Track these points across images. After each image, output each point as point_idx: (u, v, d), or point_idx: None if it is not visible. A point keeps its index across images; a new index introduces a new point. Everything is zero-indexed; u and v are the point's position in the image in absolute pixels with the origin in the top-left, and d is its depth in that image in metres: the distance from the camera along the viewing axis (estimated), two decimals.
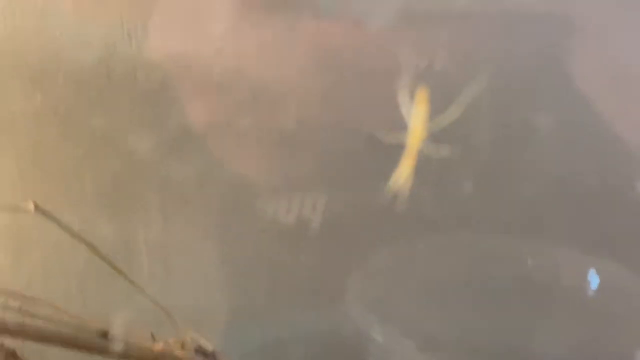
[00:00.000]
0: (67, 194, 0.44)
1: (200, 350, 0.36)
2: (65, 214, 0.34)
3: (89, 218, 0.43)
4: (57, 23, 0.41)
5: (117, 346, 0.34)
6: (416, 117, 0.36)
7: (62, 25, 0.41)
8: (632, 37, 0.40)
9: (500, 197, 0.42)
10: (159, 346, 0.35)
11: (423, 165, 0.36)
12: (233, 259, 0.45)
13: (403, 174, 0.36)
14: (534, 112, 0.40)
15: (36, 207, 0.34)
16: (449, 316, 0.43)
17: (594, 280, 0.42)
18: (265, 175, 0.44)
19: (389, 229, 0.42)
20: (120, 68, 0.42)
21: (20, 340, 0.35)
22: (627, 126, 0.41)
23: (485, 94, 0.38)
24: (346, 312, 0.42)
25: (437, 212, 0.40)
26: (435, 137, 0.36)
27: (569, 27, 0.40)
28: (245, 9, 0.41)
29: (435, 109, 0.36)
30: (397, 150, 0.36)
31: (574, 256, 0.42)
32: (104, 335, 0.34)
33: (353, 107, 0.42)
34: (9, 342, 0.35)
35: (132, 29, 0.41)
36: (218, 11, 0.41)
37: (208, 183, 0.44)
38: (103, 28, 0.41)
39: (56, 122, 0.43)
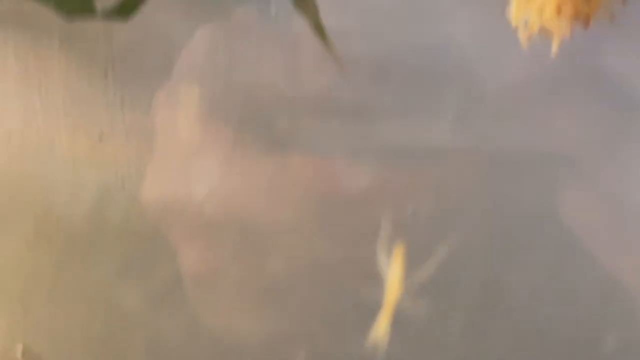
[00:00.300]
0: (55, 348, 0.43)
1: None
2: None
3: None
4: (52, 167, 0.42)
5: None
6: (393, 272, 0.36)
7: (56, 170, 0.42)
8: (625, 177, 0.40)
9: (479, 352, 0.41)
10: None
11: (401, 320, 0.36)
12: None
13: (380, 329, 0.36)
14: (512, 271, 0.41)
15: (24, 352, 0.34)
16: None
17: None
18: (250, 328, 0.44)
19: None
20: (114, 212, 0.42)
21: None
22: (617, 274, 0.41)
23: (465, 249, 0.38)
24: None
25: None
26: (413, 292, 0.36)
27: (561, 166, 0.40)
28: (236, 150, 0.42)
29: (414, 262, 0.36)
30: (376, 305, 0.36)
31: None
32: None
33: (339, 262, 0.42)
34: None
35: (126, 174, 0.42)
36: (209, 155, 0.42)
37: (196, 338, 0.43)
38: (97, 173, 0.42)
39: (48, 272, 0.43)
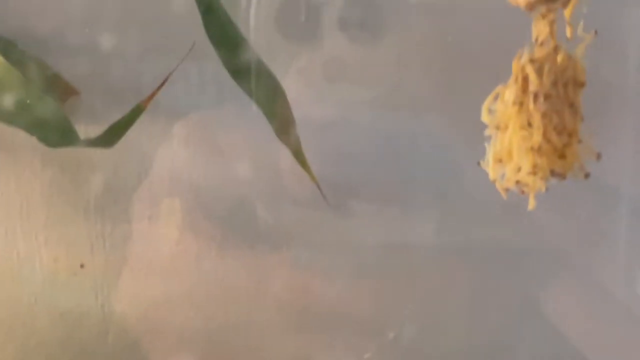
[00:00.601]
0: None
1: None
2: None
3: None
4: (32, 291, 0.42)
5: None
6: None
7: (36, 293, 0.42)
8: (610, 271, 0.41)
9: None
10: None
11: None
12: None
13: None
14: None
15: None
16: None
17: None
18: None
19: None
20: (92, 333, 0.42)
21: None
22: None
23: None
24: None
25: None
26: None
27: (547, 262, 0.41)
28: (218, 262, 0.42)
29: None
30: None
31: None
32: None
33: None
34: None
35: (105, 297, 0.42)
36: (189, 269, 0.42)
37: None
38: (77, 298, 0.42)
39: None
